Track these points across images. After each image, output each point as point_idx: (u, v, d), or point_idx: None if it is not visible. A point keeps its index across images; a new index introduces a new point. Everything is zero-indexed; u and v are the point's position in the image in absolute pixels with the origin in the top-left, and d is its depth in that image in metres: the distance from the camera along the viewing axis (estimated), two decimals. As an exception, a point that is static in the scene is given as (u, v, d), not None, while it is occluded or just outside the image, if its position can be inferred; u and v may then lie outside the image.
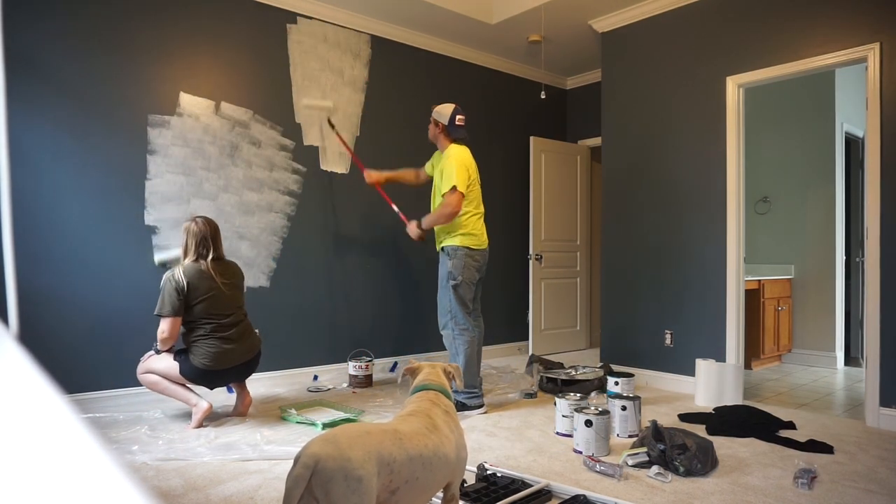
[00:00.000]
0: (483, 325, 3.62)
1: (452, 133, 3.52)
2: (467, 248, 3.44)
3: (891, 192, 3.26)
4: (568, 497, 2.17)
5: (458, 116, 3.51)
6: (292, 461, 1.33)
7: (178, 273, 2.98)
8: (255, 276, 4.08)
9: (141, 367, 3.14)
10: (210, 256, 3.08)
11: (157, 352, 3.14)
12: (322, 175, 4.42)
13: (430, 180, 3.79)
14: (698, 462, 2.44)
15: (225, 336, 3.06)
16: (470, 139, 5.30)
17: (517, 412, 3.48)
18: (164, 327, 3.00)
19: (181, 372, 3.02)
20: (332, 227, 4.48)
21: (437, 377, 1.81)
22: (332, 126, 4.32)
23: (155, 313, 3.04)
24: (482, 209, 3.58)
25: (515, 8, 4.54)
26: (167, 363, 3.06)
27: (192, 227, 3.09)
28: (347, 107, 4.56)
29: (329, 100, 4.41)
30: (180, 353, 3.07)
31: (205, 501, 2.16)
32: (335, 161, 4.48)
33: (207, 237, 3.08)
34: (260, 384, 4.04)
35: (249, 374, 3.29)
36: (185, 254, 3.08)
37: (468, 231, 3.46)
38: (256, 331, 3.36)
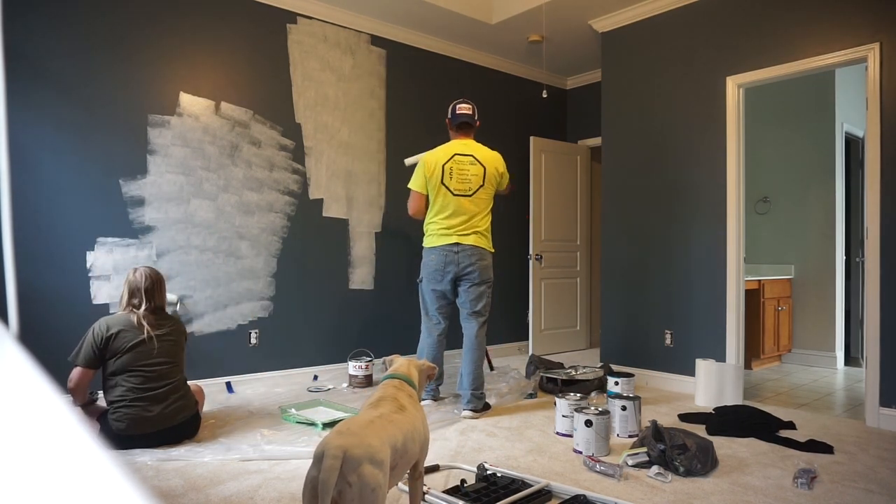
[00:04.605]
0: (475, 331, 3.46)
1: (454, 121, 3.56)
2: (424, 247, 3.57)
3: (891, 192, 3.26)
4: (568, 497, 2.17)
5: (459, 105, 3.56)
6: (312, 459, 1.45)
7: (102, 323, 2.74)
8: (255, 276, 4.08)
9: None
10: (143, 308, 2.79)
11: None
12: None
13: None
14: (698, 462, 2.44)
15: (147, 396, 2.68)
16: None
17: (517, 412, 3.48)
18: (73, 376, 2.70)
19: (101, 434, 2.64)
20: (332, 226, 4.48)
21: (406, 369, 1.98)
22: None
23: (68, 359, 2.73)
24: (444, 209, 3.44)
25: (515, 8, 4.54)
26: (90, 415, 2.78)
27: (129, 276, 2.85)
28: (342, 99, 4.56)
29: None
30: (102, 416, 2.71)
31: (205, 501, 2.16)
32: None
33: (142, 288, 2.81)
34: (260, 384, 4.04)
35: (180, 441, 2.80)
36: (120, 303, 2.87)
37: (427, 232, 3.55)
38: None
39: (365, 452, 1.43)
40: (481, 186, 3.46)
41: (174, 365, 2.81)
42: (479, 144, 3.56)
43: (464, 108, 3.53)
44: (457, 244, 3.40)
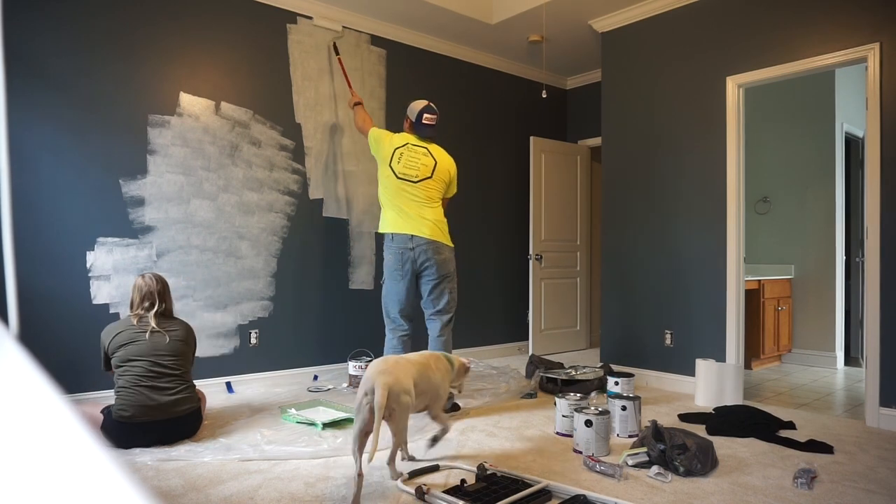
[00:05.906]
0: (439, 330, 3.53)
1: (418, 131, 3.56)
2: (379, 232, 3.59)
3: (891, 192, 3.26)
4: (568, 497, 2.17)
5: (425, 115, 3.53)
6: (360, 386, 2.22)
7: (104, 331, 2.87)
8: (255, 276, 4.08)
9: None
10: (155, 310, 2.89)
11: None
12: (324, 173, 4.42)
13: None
14: (698, 462, 2.44)
15: (151, 385, 2.74)
16: (470, 139, 5.31)
17: (517, 412, 3.48)
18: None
19: (102, 427, 2.70)
20: (332, 226, 4.48)
21: (454, 357, 2.69)
22: (338, 52, 4.41)
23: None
24: (388, 188, 3.49)
25: (515, 8, 4.54)
26: (93, 410, 2.85)
27: (139, 281, 2.94)
28: (342, 99, 4.57)
29: (338, 25, 4.50)
30: (107, 409, 2.78)
31: (205, 501, 2.16)
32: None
33: (154, 292, 2.92)
34: (260, 384, 4.04)
35: (181, 437, 2.83)
36: (130, 307, 2.96)
37: (382, 209, 3.57)
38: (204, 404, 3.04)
39: (401, 389, 2.22)
40: (428, 178, 3.48)
41: (178, 359, 2.86)
42: (437, 146, 3.63)
43: (429, 120, 3.54)
44: (412, 237, 3.41)
